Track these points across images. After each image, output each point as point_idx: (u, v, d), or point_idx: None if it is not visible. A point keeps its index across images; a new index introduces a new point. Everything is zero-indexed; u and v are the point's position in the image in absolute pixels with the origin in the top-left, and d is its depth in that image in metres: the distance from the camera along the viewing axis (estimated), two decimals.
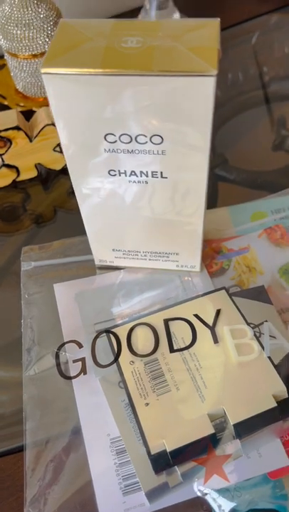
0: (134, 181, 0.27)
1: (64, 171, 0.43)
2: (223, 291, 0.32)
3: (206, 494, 0.26)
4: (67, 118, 0.24)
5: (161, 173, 0.26)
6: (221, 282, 0.34)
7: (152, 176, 0.26)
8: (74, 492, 0.26)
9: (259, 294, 0.32)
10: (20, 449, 0.28)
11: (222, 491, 0.26)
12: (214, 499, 0.25)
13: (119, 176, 0.26)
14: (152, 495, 0.26)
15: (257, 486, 0.26)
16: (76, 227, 0.38)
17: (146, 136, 0.24)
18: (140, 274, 0.35)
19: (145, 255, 0.33)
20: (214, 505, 0.25)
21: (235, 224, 0.37)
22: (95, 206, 0.30)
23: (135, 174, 0.26)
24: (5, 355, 0.33)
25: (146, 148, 0.24)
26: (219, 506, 0.25)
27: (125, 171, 0.26)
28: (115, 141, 0.24)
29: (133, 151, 0.25)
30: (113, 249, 0.33)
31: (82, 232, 0.34)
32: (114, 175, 0.26)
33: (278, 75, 0.57)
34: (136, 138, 0.24)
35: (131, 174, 0.26)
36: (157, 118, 0.23)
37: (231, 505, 0.25)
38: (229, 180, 0.45)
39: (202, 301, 0.32)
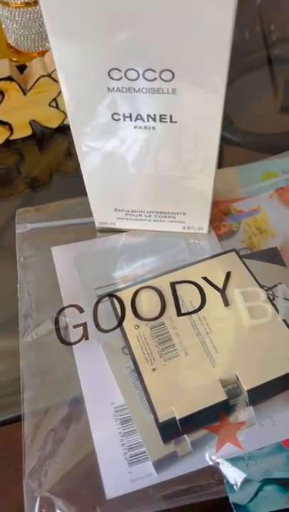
0: (140, 127, 0.24)
1: (60, 129, 0.40)
2: (233, 253, 0.30)
3: (218, 464, 0.24)
4: (68, 49, 0.21)
5: (171, 116, 0.23)
6: (230, 245, 0.32)
7: (160, 121, 0.24)
8: (76, 463, 0.25)
9: (272, 256, 0.30)
10: (19, 419, 0.26)
11: (235, 460, 0.24)
12: (227, 468, 0.24)
13: (124, 120, 0.24)
14: (160, 465, 0.24)
15: (271, 455, 0.25)
16: (74, 192, 0.35)
17: (155, 72, 0.21)
18: (144, 237, 0.33)
19: (149, 215, 0.31)
20: (227, 475, 0.24)
21: (244, 184, 0.35)
22: (97, 160, 0.27)
23: (141, 118, 0.24)
24: (0, 323, 0.31)
25: (155, 86, 0.22)
26: (232, 476, 0.24)
27: (130, 115, 0.24)
28: (120, 78, 0.22)
29: (140, 90, 0.22)
30: (115, 209, 0.31)
31: (80, 194, 0.32)
32: (118, 119, 0.24)
33: (285, 36, 0.54)
34: (144, 74, 0.22)
35: (137, 118, 0.24)
36: (169, 45, 0.20)
37: (245, 474, 0.24)
38: (235, 143, 0.43)
39: (211, 264, 0.30)
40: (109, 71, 0.22)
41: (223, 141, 0.43)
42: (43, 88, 0.35)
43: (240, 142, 0.43)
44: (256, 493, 0.24)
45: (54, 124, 0.39)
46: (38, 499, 0.23)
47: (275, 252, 0.30)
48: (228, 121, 0.44)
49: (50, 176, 0.40)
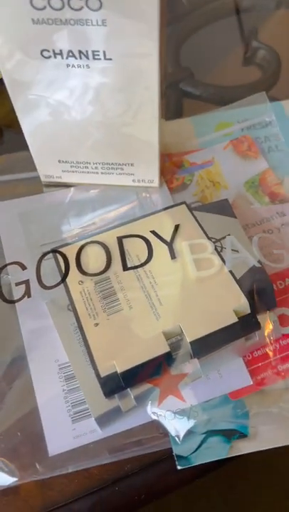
0: (74, 66, 0.23)
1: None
2: (183, 205, 0.29)
3: (160, 416, 0.24)
4: None
5: (104, 53, 0.22)
6: (182, 198, 0.31)
7: (94, 58, 0.22)
8: (17, 420, 0.24)
9: (222, 208, 0.29)
10: None
11: (178, 413, 0.24)
12: (169, 421, 0.24)
13: (55, 58, 0.22)
14: (103, 420, 0.24)
15: (216, 407, 0.24)
16: (27, 147, 0.33)
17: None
18: (93, 192, 0.31)
19: (96, 167, 0.30)
20: (170, 428, 0.23)
21: (198, 135, 0.33)
22: (33, 108, 0.26)
23: (73, 55, 0.22)
24: None
25: (83, 17, 0.20)
26: (175, 428, 0.23)
27: (61, 51, 0.22)
28: (44, 8, 0.20)
29: (67, 22, 0.20)
30: (59, 161, 0.29)
31: (27, 148, 0.30)
32: (49, 57, 0.22)
33: None
34: (69, 1, 0.20)
35: (68, 56, 0.22)
36: None
37: (188, 426, 0.23)
38: (195, 96, 0.41)
39: (160, 217, 0.29)
40: None
41: (184, 94, 0.41)
42: None
43: (200, 95, 0.41)
44: (200, 445, 0.23)
45: None
46: None
47: (226, 204, 0.29)
48: (189, 74, 0.42)
49: (1, 133, 0.38)
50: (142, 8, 0.20)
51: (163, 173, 0.31)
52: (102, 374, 0.23)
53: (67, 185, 0.31)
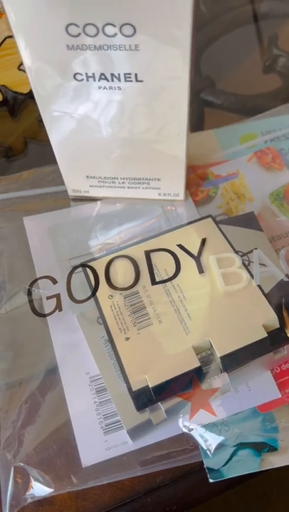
0: (105, 87, 0.23)
1: (32, 95, 0.39)
2: (209, 219, 0.29)
3: (191, 430, 0.24)
4: (23, 8, 0.20)
5: (136, 75, 0.22)
6: (207, 211, 0.31)
7: (126, 80, 0.22)
8: (51, 433, 0.25)
9: (248, 221, 0.29)
10: None
11: (209, 426, 0.24)
12: (200, 434, 0.24)
13: (87, 80, 0.23)
14: (135, 433, 0.24)
15: (246, 420, 0.25)
16: (51, 160, 0.34)
17: (115, 26, 0.20)
18: (119, 205, 0.32)
19: (123, 182, 0.30)
20: (200, 441, 0.24)
21: (222, 148, 0.34)
22: (64, 126, 0.26)
23: (105, 78, 0.22)
24: None
25: (117, 43, 0.21)
26: (206, 441, 0.24)
27: (93, 74, 0.22)
28: (79, 34, 0.21)
29: (101, 47, 0.21)
30: (87, 177, 0.30)
31: (55, 161, 0.31)
32: (82, 79, 0.23)
33: None
34: (103, 29, 0.20)
35: (100, 78, 0.23)
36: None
37: (219, 439, 0.24)
38: (216, 106, 0.41)
39: (186, 231, 0.29)
40: (67, 26, 0.20)
41: (205, 103, 0.41)
42: (11, 50, 0.33)
43: (222, 104, 0.41)
44: (230, 458, 0.24)
45: (25, 89, 0.37)
46: (13, 469, 0.23)
47: (252, 217, 0.29)
48: (209, 83, 0.42)
49: (25, 144, 0.39)
50: (174, 33, 0.20)
51: (188, 185, 0.32)
52: (134, 388, 0.24)
53: (94, 199, 0.32)
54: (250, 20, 0.50)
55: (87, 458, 0.24)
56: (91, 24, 0.20)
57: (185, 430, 0.24)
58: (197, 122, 0.40)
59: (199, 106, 0.41)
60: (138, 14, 0.19)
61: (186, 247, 0.28)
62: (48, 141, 0.38)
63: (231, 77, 0.44)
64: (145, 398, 0.24)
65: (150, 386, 0.24)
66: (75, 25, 0.20)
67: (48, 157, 0.36)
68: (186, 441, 0.24)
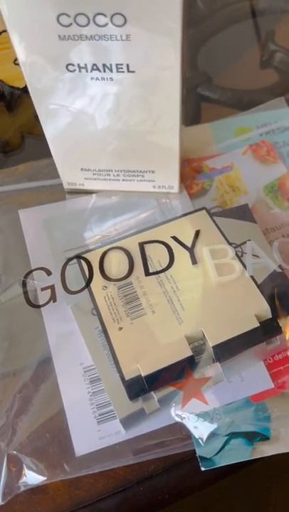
0: (98, 78, 0.23)
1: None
2: (204, 211, 0.29)
3: (184, 419, 0.24)
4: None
5: (128, 65, 0.22)
6: (202, 204, 0.31)
7: (118, 71, 0.23)
8: (45, 422, 0.25)
9: (242, 213, 0.29)
10: None
11: (201, 415, 0.24)
12: (193, 423, 0.24)
13: (80, 71, 0.23)
14: (128, 422, 0.24)
15: (238, 410, 0.25)
16: (47, 154, 0.34)
17: (106, 16, 0.20)
18: (114, 198, 0.32)
19: (118, 175, 0.30)
20: (193, 430, 0.24)
21: (217, 141, 0.34)
22: (58, 118, 0.26)
23: (98, 69, 0.23)
24: None
25: (108, 33, 0.21)
26: (198, 430, 0.24)
27: (86, 65, 0.23)
28: (70, 24, 0.21)
29: (92, 37, 0.21)
30: (82, 169, 0.30)
31: (50, 155, 0.31)
32: (74, 70, 0.23)
33: None
34: (94, 18, 0.20)
35: (93, 69, 0.23)
36: None
37: (211, 428, 0.24)
38: (213, 101, 0.41)
39: (180, 223, 0.29)
40: (58, 16, 0.20)
41: (202, 98, 0.41)
42: (6, 45, 0.34)
43: (218, 99, 0.41)
44: (223, 447, 0.24)
45: (21, 84, 0.37)
46: (6, 457, 0.23)
47: (246, 209, 0.29)
48: (206, 78, 0.42)
49: (22, 139, 0.39)
50: (165, 23, 0.20)
51: (182, 178, 0.32)
52: (127, 377, 0.24)
53: (89, 192, 0.32)
54: (247, 16, 0.50)
55: (81, 447, 0.24)
56: (82, 14, 0.20)
57: (178, 419, 0.24)
58: (194, 117, 0.40)
59: (196, 101, 0.41)
60: (128, 4, 0.20)
61: (180, 238, 0.28)
62: (44, 135, 0.39)
63: (228, 72, 0.44)
64: (138, 387, 0.24)
65: (143, 375, 0.24)
66: (66, 15, 0.20)
67: (44, 151, 0.36)
68: (178, 431, 0.24)
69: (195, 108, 0.41)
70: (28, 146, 0.39)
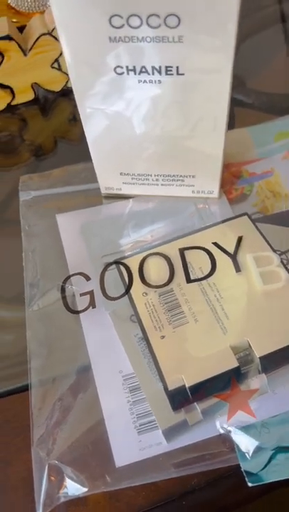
0: (145, 81, 0.23)
1: (64, 93, 0.39)
2: (245, 217, 0.29)
3: (229, 432, 0.23)
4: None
5: (178, 68, 0.22)
6: (241, 209, 0.30)
7: (166, 73, 0.22)
8: (85, 431, 0.24)
9: (286, 220, 0.28)
10: (26, 389, 0.26)
11: (247, 428, 0.23)
12: (238, 437, 0.23)
13: (128, 74, 0.22)
14: (170, 433, 0.24)
15: (285, 423, 0.24)
16: (80, 158, 0.34)
17: (159, 17, 0.20)
18: (151, 203, 0.32)
19: (157, 179, 0.30)
20: (239, 443, 0.23)
21: (257, 146, 0.33)
22: (101, 121, 0.26)
23: (146, 71, 0.22)
24: (6, 293, 0.30)
25: (160, 34, 0.20)
26: (244, 444, 0.23)
27: (134, 68, 0.22)
28: (122, 26, 0.20)
29: (144, 39, 0.21)
30: (121, 174, 0.30)
31: (86, 160, 0.30)
32: (122, 73, 0.22)
33: None
34: (147, 20, 0.20)
35: (141, 71, 0.22)
36: None
37: (257, 442, 0.23)
38: (247, 105, 0.41)
39: (221, 229, 0.28)
40: (110, 18, 0.20)
41: (235, 102, 0.41)
42: (44, 48, 0.33)
43: (252, 103, 0.41)
44: (269, 461, 0.23)
45: (57, 87, 0.37)
46: (47, 466, 0.23)
47: None
48: (239, 82, 0.42)
49: (55, 143, 0.39)
50: (220, 23, 0.20)
51: (222, 183, 0.31)
52: (170, 387, 0.23)
53: (125, 197, 0.32)
54: (278, 20, 0.49)
55: (121, 458, 0.24)
56: (135, 15, 0.20)
57: (222, 432, 0.24)
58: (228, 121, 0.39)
59: (230, 105, 0.40)
60: (184, 4, 0.19)
61: (221, 245, 0.27)
62: (78, 139, 0.38)
63: (260, 76, 0.43)
64: (182, 398, 0.23)
65: (187, 386, 0.23)
66: (119, 16, 0.20)
67: (77, 156, 0.36)
68: (222, 443, 0.24)
69: (229, 112, 0.40)
70: (60, 151, 0.38)
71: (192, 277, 0.27)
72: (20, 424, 0.26)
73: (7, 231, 0.33)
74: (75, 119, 0.39)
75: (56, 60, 0.35)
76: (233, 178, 0.32)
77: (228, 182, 0.32)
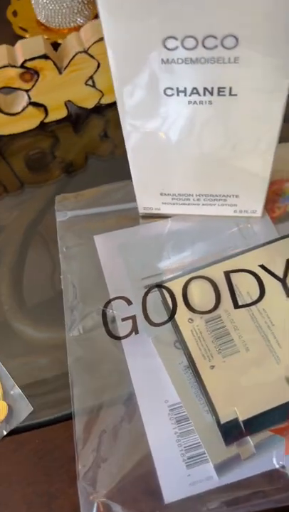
0: (196, 102, 0.22)
1: (96, 109, 0.38)
2: None
3: (284, 468, 0.22)
4: (119, 18, 0.19)
5: (231, 89, 0.21)
6: (286, 229, 0.29)
7: (219, 94, 0.21)
8: (132, 465, 0.23)
9: None
10: (69, 417, 0.25)
11: None
12: None
13: (178, 95, 0.22)
14: (222, 468, 0.23)
15: None
16: (110, 175, 0.33)
17: (216, 38, 0.19)
18: (190, 223, 0.31)
19: (198, 199, 0.29)
20: None
21: None
22: (144, 141, 0.25)
23: (197, 92, 0.21)
24: (43, 315, 0.30)
25: (216, 55, 0.20)
26: None
27: (185, 89, 0.21)
28: (176, 48, 0.20)
29: (198, 60, 0.20)
30: (161, 194, 0.29)
31: (117, 179, 0.30)
32: (171, 95, 0.22)
33: None
34: (203, 41, 0.19)
35: (192, 93, 0.21)
36: (233, 5, 0.18)
37: None
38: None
39: (268, 250, 0.27)
40: (165, 40, 0.19)
41: None
42: (79, 66, 0.33)
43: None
44: None
45: (90, 104, 0.36)
46: (96, 504, 0.22)
47: None
48: None
49: (86, 160, 0.38)
50: (279, 44, 0.19)
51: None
52: (223, 421, 0.22)
53: (163, 216, 0.31)
54: None
55: (170, 494, 0.23)
56: (191, 37, 0.19)
57: (277, 466, 0.22)
58: None
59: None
60: (243, 25, 0.18)
61: (269, 268, 0.26)
62: (108, 156, 0.38)
63: None
64: (235, 432, 0.22)
65: (240, 419, 0.22)
66: (174, 38, 0.19)
67: (107, 172, 0.35)
68: (277, 480, 0.23)
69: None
70: (90, 167, 0.38)
71: (240, 303, 0.26)
72: (64, 456, 0.25)
73: (42, 248, 0.33)
74: (106, 135, 0.39)
75: (91, 77, 0.34)
76: (275, 195, 0.31)
77: (270, 200, 0.31)
